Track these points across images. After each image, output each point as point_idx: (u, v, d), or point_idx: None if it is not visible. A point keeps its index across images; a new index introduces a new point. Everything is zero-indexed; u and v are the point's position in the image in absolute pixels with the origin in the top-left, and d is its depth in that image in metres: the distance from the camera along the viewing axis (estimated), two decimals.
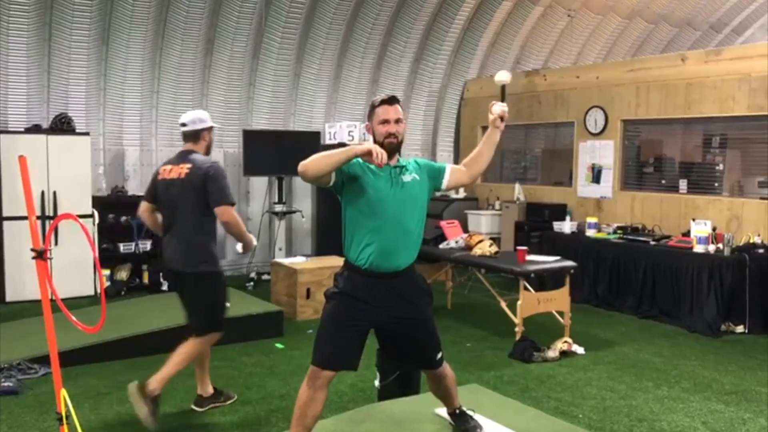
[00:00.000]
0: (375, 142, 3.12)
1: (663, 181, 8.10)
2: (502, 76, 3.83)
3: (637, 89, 8.01)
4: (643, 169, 8.38)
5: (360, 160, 3.04)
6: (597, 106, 8.44)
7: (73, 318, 2.51)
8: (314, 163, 2.97)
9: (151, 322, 5.69)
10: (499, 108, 3.27)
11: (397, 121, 3.13)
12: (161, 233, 4.38)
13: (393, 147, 3.12)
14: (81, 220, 2.55)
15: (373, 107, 3.18)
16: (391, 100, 3.17)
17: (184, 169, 4.08)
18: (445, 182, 3.30)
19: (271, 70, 9.02)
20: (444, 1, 9.57)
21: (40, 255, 2.43)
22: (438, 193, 9.99)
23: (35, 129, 7.45)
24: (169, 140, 8.64)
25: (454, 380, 3.50)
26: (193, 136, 4.22)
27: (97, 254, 2.52)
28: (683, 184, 7.78)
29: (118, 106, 8.30)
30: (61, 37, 7.72)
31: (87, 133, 7.70)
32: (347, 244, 3.17)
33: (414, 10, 9.47)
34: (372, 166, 3.07)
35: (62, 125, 7.55)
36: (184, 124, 4.24)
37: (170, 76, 8.48)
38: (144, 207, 4.42)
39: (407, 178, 3.15)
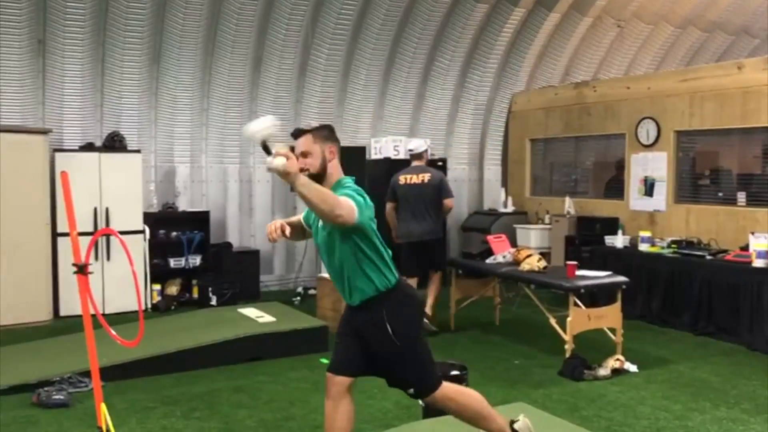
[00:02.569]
0: None
1: (720, 194, 7.82)
2: (251, 132, 2.86)
3: (690, 99, 7.78)
4: (698, 181, 8.12)
5: None
6: (649, 117, 8.23)
7: (112, 332, 2.52)
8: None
9: (198, 337, 5.73)
10: (275, 163, 2.69)
11: (304, 154, 3.05)
12: (394, 227, 6.74)
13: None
14: (130, 236, 2.58)
15: None
16: (295, 133, 3.13)
17: (426, 176, 6.64)
18: None
19: (317, 87, 9.09)
20: (491, 14, 9.50)
21: (81, 270, 2.45)
22: (486, 207, 9.99)
23: (89, 147, 7.65)
24: (219, 157, 8.78)
25: (465, 409, 3.27)
26: (419, 156, 6.83)
27: (134, 267, 2.51)
28: (741, 196, 7.50)
29: (169, 123, 8.47)
30: (114, 57, 7.93)
31: (138, 151, 7.87)
32: None
33: (460, 23, 9.43)
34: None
35: (115, 143, 7.74)
36: (411, 150, 6.96)
37: (219, 93, 8.61)
38: (390, 206, 6.79)
39: (324, 225, 3.10)
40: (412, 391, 3.20)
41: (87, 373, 4.94)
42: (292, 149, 2.93)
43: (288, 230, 3.03)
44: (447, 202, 6.67)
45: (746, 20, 11.11)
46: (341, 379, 3.18)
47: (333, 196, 2.83)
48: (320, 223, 3.11)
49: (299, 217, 3.43)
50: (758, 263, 6.39)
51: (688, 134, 7.97)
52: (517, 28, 9.74)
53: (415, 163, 6.83)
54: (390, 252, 3.17)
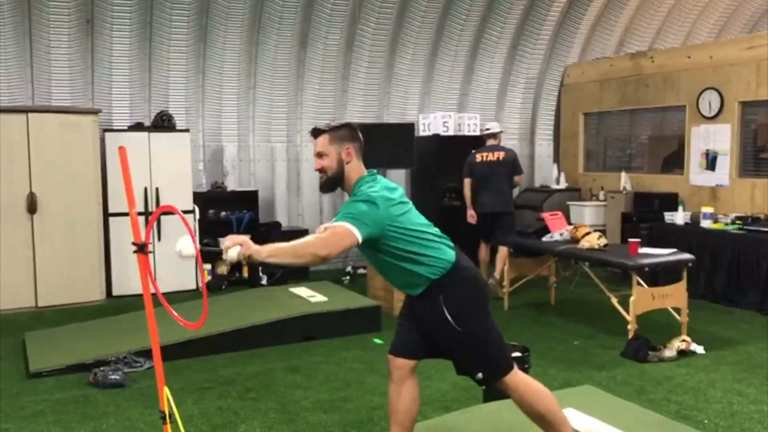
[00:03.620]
0: None
1: None
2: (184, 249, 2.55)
3: (757, 68, 7.39)
4: (759, 154, 7.76)
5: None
6: (711, 87, 7.86)
7: (175, 313, 2.44)
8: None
9: (252, 315, 5.69)
10: (230, 258, 2.62)
11: (319, 154, 2.95)
12: (470, 201, 7.44)
13: (326, 183, 2.98)
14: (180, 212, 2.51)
15: None
16: (313, 133, 3.01)
17: (501, 154, 7.37)
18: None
19: (364, 62, 8.92)
20: None
21: (141, 249, 2.37)
22: (537, 184, 9.73)
23: (138, 127, 7.64)
24: (266, 136, 8.70)
25: (532, 406, 3.03)
26: (493, 136, 7.57)
27: (198, 247, 2.39)
28: None
29: (217, 102, 8.41)
30: (161, 36, 7.88)
31: (187, 130, 7.84)
32: None
33: None
34: None
35: (163, 122, 7.71)
36: (489, 129, 7.69)
37: (266, 71, 8.51)
38: (468, 182, 7.44)
39: None
40: (480, 375, 3.03)
41: (142, 353, 4.96)
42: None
43: None
44: (517, 178, 7.45)
45: None
46: (403, 361, 3.09)
47: (305, 244, 2.72)
48: None
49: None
50: None
51: (754, 105, 7.59)
52: None
53: (490, 142, 7.58)
54: (435, 232, 2.99)
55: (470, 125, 9.00)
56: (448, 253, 2.96)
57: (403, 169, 9.10)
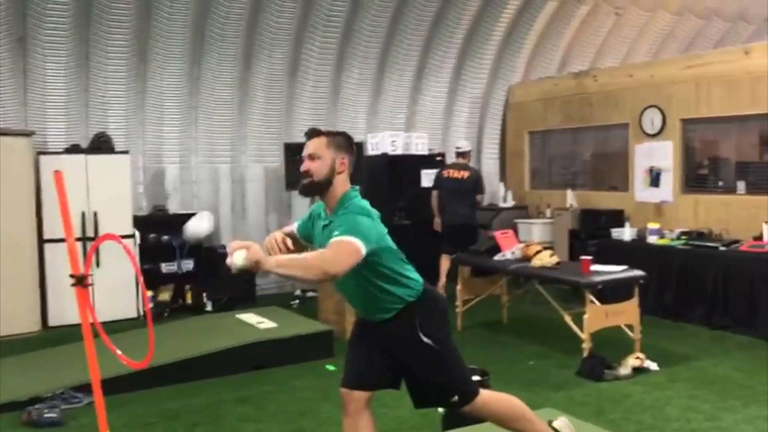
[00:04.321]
0: None
1: (720, 183, 7.66)
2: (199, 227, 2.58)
3: (696, 86, 7.57)
4: (699, 171, 7.93)
5: (312, 211, 2.98)
6: (653, 105, 8.01)
7: (118, 352, 2.25)
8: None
9: (198, 344, 5.45)
10: (237, 261, 2.40)
11: (311, 156, 2.78)
12: (437, 210, 7.91)
13: (307, 186, 2.82)
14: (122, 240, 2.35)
15: None
16: (308, 134, 2.90)
17: (466, 173, 7.77)
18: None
19: (310, 82, 8.79)
20: (485, 4, 9.24)
21: (81, 281, 2.17)
22: (485, 203, 9.78)
23: (74, 149, 7.31)
24: (209, 156, 8.46)
25: (508, 413, 3.05)
26: (463, 155, 7.94)
27: (142, 277, 2.23)
28: (741, 185, 7.33)
29: (157, 123, 8.14)
30: (99, 55, 7.59)
31: (126, 152, 7.55)
32: None
33: (454, 15, 9.16)
34: (316, 221, 2.95)
35: (101, 144, 7.41)
36: (459, 148, 8.04)
37: (208, 91, 8.30)
38: (435, 194, 7.90)
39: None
40: (456, 398, 2.93)
41: (81, 388, 4.66)
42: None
43: (290, 242, 2.87)
44: (478, 197, 7.89)
45: (742, 6, 10.94)
46: (359, 394, 2.93)
47: (316, 258, 2.53)
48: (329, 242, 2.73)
49: (293, 227, 3.15)
50: None
51: (695, 122, 7.76)
52: (513, 18, 9.50)
53: (459, 160, 7.98)
54: (404, 256, 2.92)
55: (418, 144, 8.96)
56: (417, 274, 2.92)
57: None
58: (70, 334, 6.40)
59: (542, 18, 9.60)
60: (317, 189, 2.81)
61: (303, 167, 2.81)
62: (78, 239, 7.07)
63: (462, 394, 2.94)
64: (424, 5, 8.85)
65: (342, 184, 2.82)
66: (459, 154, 8.00)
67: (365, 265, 2.69)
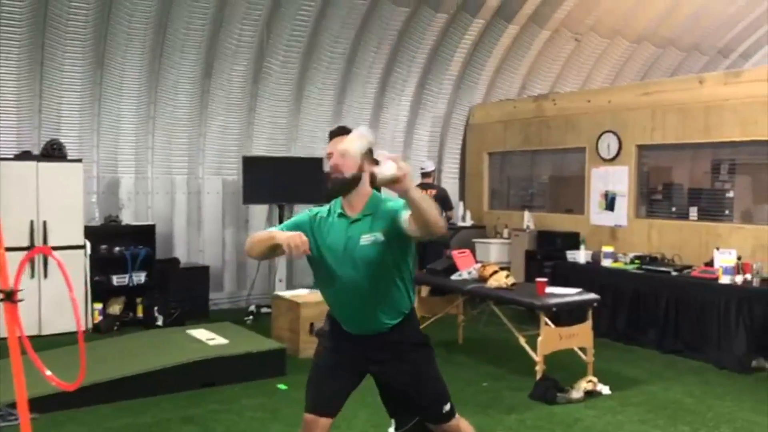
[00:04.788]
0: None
1: (673, 208, 7.80)
2: (360, 139, 2.70)
3: (652, 113, 7.71)
4: (653, 196, 8.07)
5: (308, 216, 2.87)
6: (610, 130, 8.13)
7: (48, 372, 2.13)
8: (251, 248, 2.79)
9: (144, 361, 5.29)
10: (386, 171, 2.36)
11: (341, 153, 2.69)
12: None
13: (338, 183, 2.70)
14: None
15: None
16: (338, 131, 2.83)
17: (433, 191, 7.97)
18: (405, 229, 2.62)
19: (272, 95, 8.71)
20: (449, 24, 9.31)
21: (9, 297, 2.06)
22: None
23: (25, 156, 7.10)
24: (166, 167, 8.31)
25: None
26: (428, 174, 8.51)
27: (74, 294, 2.16)
28: (693, 211, 7.49)
29: (113, 131, 7.96)
30: (54, 60, 7.40)
31: (80, 160, 7.36)
32: None
33: (418, 34, 9.21)
34: (323, 223, 2.83)
35: (54, 152, 7.21)
36: (423, 168, 8.53)
37: (167, 100, 8.16)
38: None
39: (366, 239, 2.71)
40: (448, 407, 2.93)
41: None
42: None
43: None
44: (448, 213, 8.17)
45: (697, 37, 11.23)
46: (326, 421, 2.81)
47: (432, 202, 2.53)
48: (366, 237, 2.69)
49: (271, 230, 2.96)
50: (725, 279, 6.29)
51: (650, 148, 7.90)
52: (475, 39, 9.58)
53: (424, 180, 8.39)
54: None
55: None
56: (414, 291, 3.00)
57: (310, 204, 8.89)
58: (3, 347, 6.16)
59: (504, 41, 9.70)
60: (347, 186, 2.69)
61: (332, 162, 2.71)
62: (26, 248, 6.86)
63: (451, 404, 2.95)
64: (388, 22, 8.87)
65: (366, 185, 2.74)
66: (424, 175, 8.46)
67: (402, 255, 2.75)
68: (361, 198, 2.75)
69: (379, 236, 2.69)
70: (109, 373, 4.93)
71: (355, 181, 2.69)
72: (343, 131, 2.79)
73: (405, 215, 2.57)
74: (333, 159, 2.71)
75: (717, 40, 11.47)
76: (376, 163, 2.43)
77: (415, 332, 2.90)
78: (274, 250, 2.72)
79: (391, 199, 2.75)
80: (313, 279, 2.95)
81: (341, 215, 2.80)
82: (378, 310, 2.78)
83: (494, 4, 9.17)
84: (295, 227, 2.81)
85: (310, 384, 2.89)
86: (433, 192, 8.04)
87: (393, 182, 2.33)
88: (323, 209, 2.89)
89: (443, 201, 8.06)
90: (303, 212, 2.97)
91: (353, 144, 2.63)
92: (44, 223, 6.97)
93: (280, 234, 2.66)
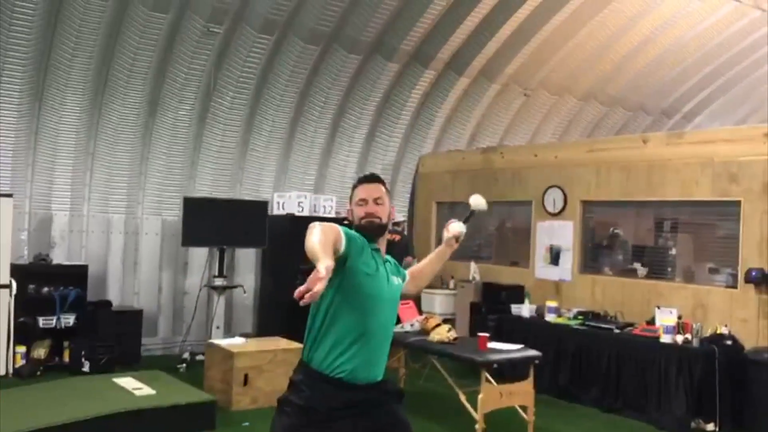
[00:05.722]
0: (353, 225, 2.73)
1: (617, 264, 7.85)
2: (478, 202, 3.53)
3: (597, 170, 7.80)
4: (597, 252, 8.12)
5: (360, 239, 2.62)
6: (556, 185, 8.19)
7: None
8: (307, 247, 2.35)
9: (64, 411, 4.95)
10: (456, 228, 3.17)
11: (377, 200, 2.76)
12: None
13: (374, 228, 2.73)
14: None
15: (353, 187, 2.85)
16: (371, 178, 2.88)
17: (397, 237, 8.09)
18: (404, 285, 2.96)
19: (218, 135, 8.54)
20: (401, 74, 9.34)
21: None
22: None
23: None
24: (103, 205, 8.02)
25: None
26: (398, 224, 8.47)
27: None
28: (638, 267, 7.55)
29: (49, 166, 7.66)
30: None
31: (10, 195, 7.02)
32: (315, 345, 2.61)
33: (370, 82, 9.21)
34: (366, 251, 2.63)
35: None
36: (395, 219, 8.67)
37: (108, 136, 7.91)
38: None
39: (396, 280, 2.83)
40: None
41: None
42: (472, 213, 3.55)
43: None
44: (407, 259, 8.07)
45: (642, 97, 11.53)
46: None
47: None
48: (394, 278, 2.80)
49: (336, 234, 2.49)
50: (665, 339, 6.29)
51: (594, 204, 7.97)
52: (426, 90, 9.63)
53: (394, 227, 8.19)
54: None
55: (326, 207, 8.84)
56: None
57: (254, 248, 8.70)
58: None
59: (455, 93, 9.77)
60: (382, 231, 2.80)
61: (369, 209, 2.74)
62: None
63: None
64: (340, 67, 8.84)
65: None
66: (395, 224, 8.74)
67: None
68: (383, 243, 2.85)
69: (400, 280, 2.86)
70: (23, 424, 4.59)
71: (385, 227, 2.83)
72: (378, 179, 2.86)
73: (410, 272, 3.10)
74: (370, 206, 2.76)
75: (661, 100, 11.80)
76: (466, 222, 3.32)
77: (389, 385, 2.84)
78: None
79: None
80: (336, 314, 2.58)
81: (377, 251, 2.75)
82: (382, 356, 2.76)
83: (445, 57, 9.24)
84: (358, 241, 2.60)
85: None
86: (397, 237, 8.26)
87: (453, 238, 3.16)
88: (356, 233, 2.65)
89: (406, 247, 8.34)
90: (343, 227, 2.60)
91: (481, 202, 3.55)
92: None
93: (323, 261, 2.21)
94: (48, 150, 7.63)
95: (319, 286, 2.09)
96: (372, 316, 2.62)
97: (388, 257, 2.86)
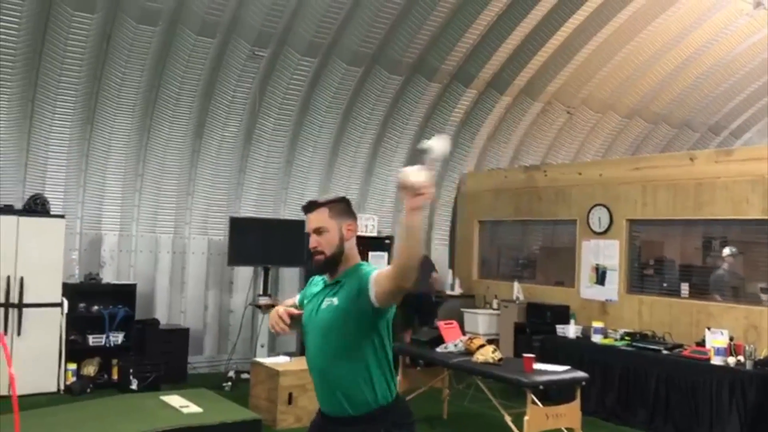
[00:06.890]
0: None
1: (664, 284, 7.70)
2: (437, 145, 2.31)
3: (643, 188, 7.69)
4: (644, 271, 7.98)
5: (309, 283, 2.76)
6: (601, 204, 8.09)
7: None
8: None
9: (113, 428, 5.04)
10: (411, 176, 2.17)
11: (318, 230, 2.55)
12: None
13: (319, 267, 2.59)
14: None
15: None
16: (306, 207, 2.63)
17: None
18: (372, 294, 2.40)
19: (262, 156, 8.68)
20: (442, 93, 9.37)
21: None
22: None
23: (6, 209, 6.97)
24: (151, 225, 8.19)
25: None
26: None
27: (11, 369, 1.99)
28: (684, 287, 7.39)
29: (99, 188, 7.87)
30: (44, 115, 7.36)
31: (62, 216, 7.24)
32: None
33: (413, 100, 9.25)
34: (309, 288, 2.74)
35: (36, 206, 7.10)
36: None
37: (156, 158, 8.11)
38: None
39: (326, 302, 2.54)
40: None
41: None
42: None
43: (288, 316, 2.62)
44: (433, 275, 8.50)
45: (688, 114, 11.35)
46: None
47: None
48: (326, 301, 2.53)
49: (294, 299, 2.83)
50: (716, 360, 6.14)
51: (641, 223, 7.84)
52: (468, 109, 9.64)
53: None
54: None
55: (368, 226, 8.88)
56: (396, 382, 2.60)
57: (296, 268, 8.78)
58: None
59: (497, 111, 9.76)
60: (332, 263, 2.55)
61: (311, 244, 2.55)
62: (1, 305, 6.69)
63: None
64: (382, 88, 8.91)
65: (353, 252, 2.60)
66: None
67: (364, 329, 2.45)
68: (344, 266, 2.57)
69: (335, 300, 2.49)
70: None
71: (338, 256, 2.55)
72: (312, 206, 2.60)
73: (374, 275, 2.41)
74: (311, 240, 2.56)
75: (708, 117, 11.60)
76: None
77: (399, 417, 2.56)
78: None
79: (365, 268, 2.55)
80: None
81: (316, 283, 2.73)
82: (340, 393, 2.48)
83: (487, 76, 9.25)
84: (302, 296, 2.80)
85: None
86: None
87: (408, 190, 2.17)
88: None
89: (430, 264, 8.52)
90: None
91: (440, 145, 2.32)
92: (21, 279, 6.81)
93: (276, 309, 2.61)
94: (98, 172, 7.84)
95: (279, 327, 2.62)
96: (306, 348, 2.64)
97: (345, 277, 2.54)
